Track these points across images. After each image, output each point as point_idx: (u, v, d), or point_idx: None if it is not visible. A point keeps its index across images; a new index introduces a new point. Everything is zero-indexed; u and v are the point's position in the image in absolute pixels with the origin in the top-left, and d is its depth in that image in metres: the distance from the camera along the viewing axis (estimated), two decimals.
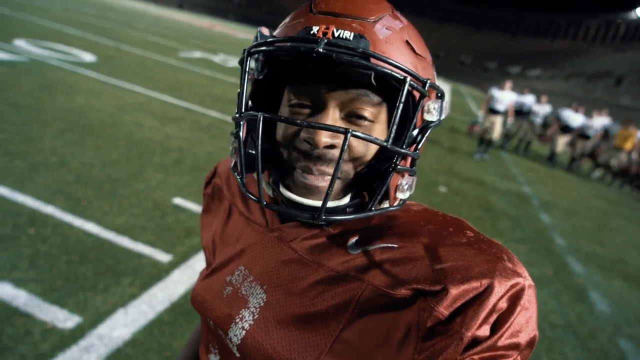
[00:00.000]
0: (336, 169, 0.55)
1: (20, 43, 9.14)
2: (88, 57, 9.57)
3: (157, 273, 2.81)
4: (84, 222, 3.17)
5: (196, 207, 3.82)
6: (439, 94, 0.64)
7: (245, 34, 37.91)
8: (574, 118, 11.48)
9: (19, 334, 2.10)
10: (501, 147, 12.10)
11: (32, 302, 2.31)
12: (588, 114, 12.30)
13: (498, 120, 9.36)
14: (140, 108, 6.62)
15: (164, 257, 2.99)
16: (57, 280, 2.52)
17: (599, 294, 4.27)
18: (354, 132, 0.54)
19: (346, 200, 0.64)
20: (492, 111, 9.39)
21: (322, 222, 0.63)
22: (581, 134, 11.47)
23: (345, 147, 0.54)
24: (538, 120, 11.82)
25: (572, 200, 8.35)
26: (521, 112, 11.67)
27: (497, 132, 9.46)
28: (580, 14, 71.08)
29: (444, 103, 0.64)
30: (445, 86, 31.16)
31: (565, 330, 3.44)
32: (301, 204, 0.61)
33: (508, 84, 9.47)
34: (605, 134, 11.83)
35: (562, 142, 11.59)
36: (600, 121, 12.12)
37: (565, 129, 11.51)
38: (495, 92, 9.43)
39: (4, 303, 2.26)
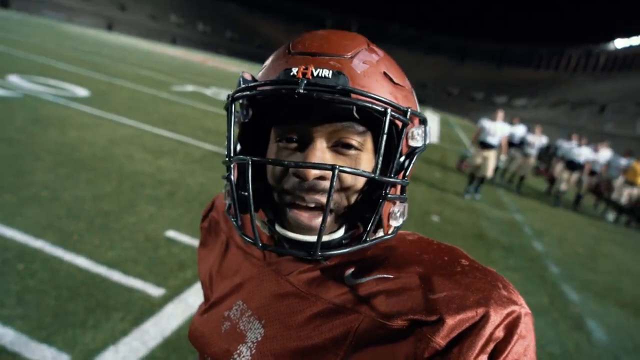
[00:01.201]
0: (327, 203, 0.56)
1: (13, 79, 9.21)
2: (81, 91, 9.65)
3: (149, 307, 2.75)
4: (74, 257, 3.11)
5: (189, 240, 3.78)
6: (422, 120, 0.65)
7: (237, 68, 38.58)
8: (579, 152, 10.11)
9: None
10: (491, 181, 10.80)
11: (19, 341, 2.25)
12: (588, 146, 10.84)
13: (491, 156, 8.20)
14: (133, 141, 6.64)
15: (156, 291, 2.93)
16: (45, 317, 2.46)
17: (596, 322, 4.24)
18: (341, 168, 0.56)
19: (341, 232, 0.64)
20: (484, 145, 8.20)
21: (319, 258, 0.64)
22: (592, 170, 10.38)
23: (334, 183, 0.56)
24: (533, 152, 10.62)
25: (563, 227, 8.40)
26: (511, 144, 10.83)
27: (490, 170, 8.31)
28: (561, 45, 73.67)
29: (428, 128, 0.66)
30: (434, 117, 31.73)
31: None
32: (297, 241, 0.62)
33: (500, 114, 8.29)
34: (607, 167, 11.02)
35: (568, 180, 10.19)
36: (606, 154, 11.08)
37: (571, 165, 10.14)
38: (487, 124, 8.28)
39: None
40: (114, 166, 5.27)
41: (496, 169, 10.49)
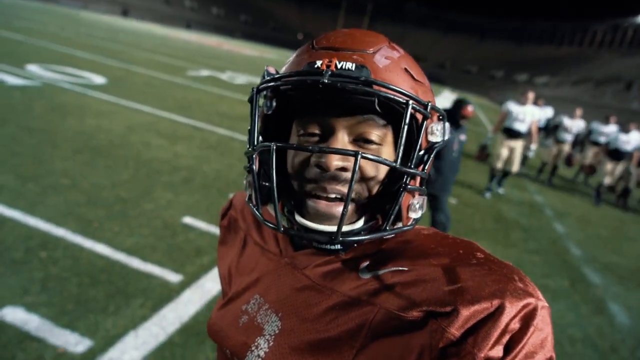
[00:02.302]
0: (349, 190, 0.57)
1: (32, 68, 9.35)
2: (98, 79, 9.75)
3: (167, 294, 2.80)
4: (94, 244, 3.18)
5: (206, 226, 3.82)
6: (441, 116, 0.66)
7: (252, 51, 38.43)
8: (627, 139, 8.43)
9: (31, 359, 2.10)
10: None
11: (44, 327, 2.31)
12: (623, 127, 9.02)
13: (518, 147, 7.01)
14: (149, 128, 6.70)
15: (174, 278, 2.98)
16: (68, 304, 2.52)
17: (619, 306, 4.16)
18: (364, 154, 0.57)
19: (360, 223, 0.65)
20: (510, 133, 6.97)
21: (339, 246, 0.67)
22: None
23: (357, 167, 0.56)
24: (568, 139, 9.19)
25: (585, 209, 8.21)
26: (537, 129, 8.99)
27: (516, 164, 7.07)
28: (586, 20, 70.94)
29: (447, 124, 0.67)
30: (452, 96, 31.12)
31: (584, 344, 3.34)
32: (316, 230, 0.63)
33: (530, 95, 6.99)
34: None
35: (612, 172, 8.50)
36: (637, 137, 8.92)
37: (616, 154, 8.46)
38: (513, 107, 6.96)
39: (16, 328, 2.27)
40: (131, 153, 5.33)
41: (524, 160, 9.43)
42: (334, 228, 0.61)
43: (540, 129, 9.48)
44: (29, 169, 4.22)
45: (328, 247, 0.68)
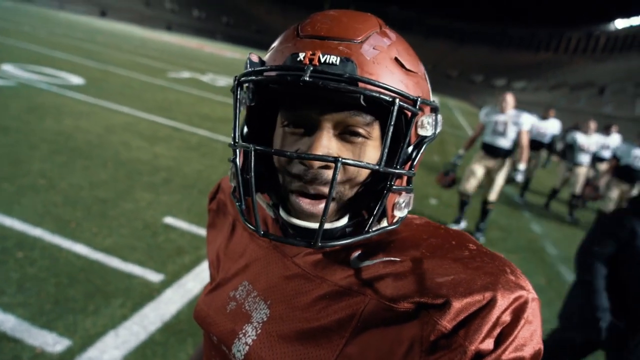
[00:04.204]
0: (329, 194, 0.56)
1: (7, 68, 9.12)
2: (76, 79, 9.57)
3: (148, 293, 2.77)
4: (72, 244, 3.13)
5: (187, 226, 3.80)
6: (433, 108, 0.64)
7: (233, 53, 38.21)
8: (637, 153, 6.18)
9: None
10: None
11: (21, 327, 2.27)
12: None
13: (499, 169, 5.20)
14: (128, 128, 6.61)
15: (155, 277, 2.95)
16: (45, 304, 2.48)
17: None
18: (344, 160, 0.55)
19: (344, 220, 0.64)
20: (488, 149, 5.21)
21: (319, 248, 0.64)
22: None
23: (336, 175, 0.55)
24: (585, 161, 7.33)
25: (563, 209, 8.43)
26: (540, 144, 7.85)
27: (495, 192, 5.27)
28: (562, 27, 72.88)
29: (439, 116, 0.64)
30: (435, 99, 31.45)
31: None
32: (300, 227, 0.62)
33: (509, 99, 5.14)
34: None
35: (621, 196, 6.46)
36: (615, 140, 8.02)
37: (628, 173, 6.28)
38: (490, 113, 5.24)
39: None
40: (110, 154, 5.26)
41: (525, 186, 8.05)
42: (317, 225, 0.60)
43: (541, 145, 7.84)
44: (4, 169, 4.12)
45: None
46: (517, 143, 5.13)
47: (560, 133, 8.02)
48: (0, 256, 2.82)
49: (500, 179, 5.22)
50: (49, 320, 2.36)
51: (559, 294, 4.24)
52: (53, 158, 4.69)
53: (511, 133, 5.07)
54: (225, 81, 16.36)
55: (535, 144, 7.87)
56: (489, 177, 5.31)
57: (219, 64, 24.73)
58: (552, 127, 8.19)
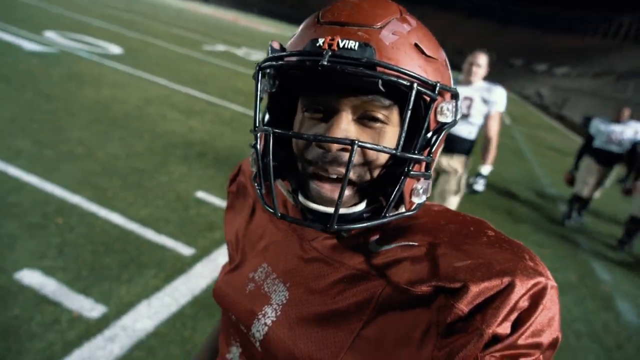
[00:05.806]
0: (345, 178, 0.56)
1: (50, 35, 9.35)
2: (115, 49, 9.73)
3: (180, 266, 2.84)
4: (108, 213, 3.22)
5: (218, 202, 3.85)
6: (453, 94, 0.63)
7: (268, 27, 37.98)
8: None
9: (48, 322, 2.16)
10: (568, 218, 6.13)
11: (60, 291, 2.37)
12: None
13: (454, 165, 3.77)
14: (165, 100, 6.70)
15: (186, 251, 3.02)
16: (82, 270, 2.57)
17: (627, 303, 4.14)
18: (361, 143, 0.55)
19: (362, 206, 0.64)
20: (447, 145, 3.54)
21: (335, 232, 0.65)
22: None
23: (355, 157, 0.55)
24: None
25: (598, 203, 8.11)
26: (615, 157, 5.57)
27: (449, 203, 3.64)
28: (612, 11, 68.76)
29: (459, 103, 0.64)
30: None
31: (590, 339, 3.34)
32: (318, 211, 0.63)
33: (481, 61, 3.73)
34: None
35: None
36: None
37: None
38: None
39: (34, 290, 2.32)
40: (147, 125, 5.35)
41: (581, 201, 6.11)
42: (333, 210, 0.60)
43: (620, 159, 5.64)
44: (46, 135, 4.26)
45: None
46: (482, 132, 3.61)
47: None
48: (42, 221, 2.93)
49: (450, 190, 3.64)
50: (86, 286, 2.46)
51: (591, 293, 4.12)
52: (92, 127, 4.81)
53: (478, 116, 3.50)
54: (260, 55, 16.31)
55: (607, 157, 5.57)
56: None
57: (253, 37, 24.65)
58: (631, 132, 5.45)
